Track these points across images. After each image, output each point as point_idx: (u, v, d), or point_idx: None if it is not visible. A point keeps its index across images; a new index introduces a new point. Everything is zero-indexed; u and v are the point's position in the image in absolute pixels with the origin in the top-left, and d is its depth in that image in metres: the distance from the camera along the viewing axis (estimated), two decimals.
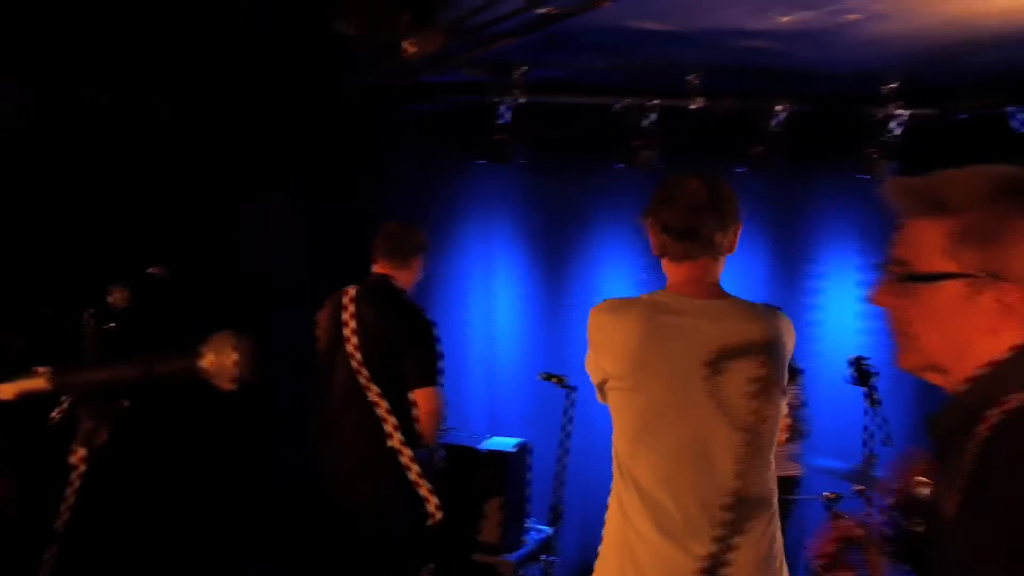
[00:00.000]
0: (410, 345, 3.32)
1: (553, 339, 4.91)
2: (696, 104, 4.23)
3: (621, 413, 2.18)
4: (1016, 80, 4.14)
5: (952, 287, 1.23)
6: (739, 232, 2.18)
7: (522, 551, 4.22)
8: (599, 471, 4.76)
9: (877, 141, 4.37)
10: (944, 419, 1.28)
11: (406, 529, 3.39)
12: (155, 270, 3.33)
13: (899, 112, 4.32)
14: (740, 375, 2.08)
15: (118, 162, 3.66)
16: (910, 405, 4.66)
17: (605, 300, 2.25)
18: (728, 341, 2.08)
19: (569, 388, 3.92)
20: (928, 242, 1.25)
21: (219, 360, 1.26)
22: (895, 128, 4.35)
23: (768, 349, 2.10)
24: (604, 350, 2.19)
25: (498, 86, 4.11)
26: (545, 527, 4.31)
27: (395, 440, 3.30)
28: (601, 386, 2.24)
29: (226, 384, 1.27)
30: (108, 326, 2.94)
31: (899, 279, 1.28)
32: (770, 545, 2.10)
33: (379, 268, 3.49)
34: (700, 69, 4.10)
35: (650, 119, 4.27)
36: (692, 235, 2.13)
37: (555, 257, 4.91)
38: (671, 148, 4.34)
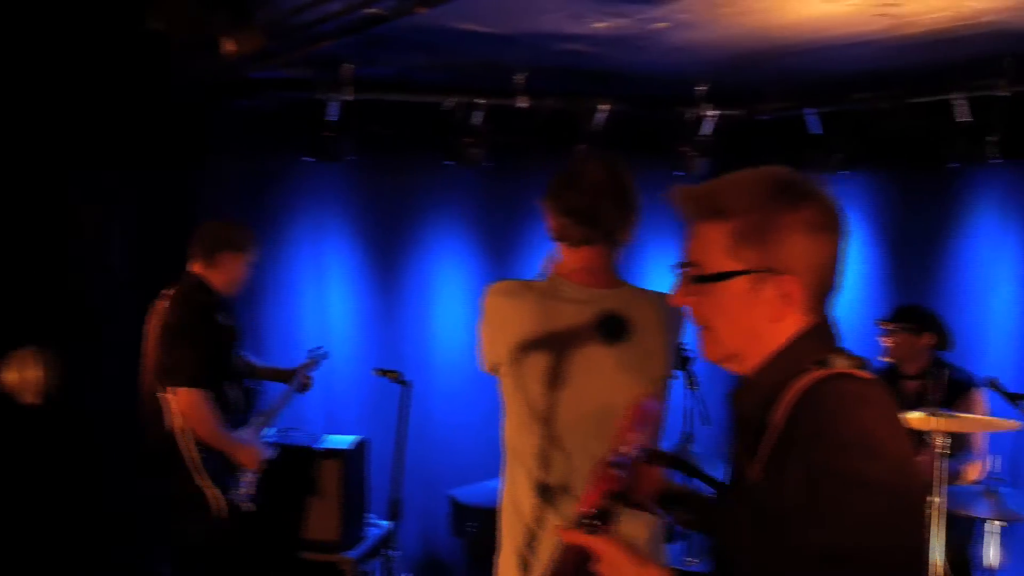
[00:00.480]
0: (166, 341, 3.32)
1: (388, 335, 4.93)
2: (522, 103, 4.36)
3: (511, 397, 2.16)
4: (812, 84, 4.50)
5: (737, 284, 1.35)
6: (636, 223, 2.15)
7: (362, 547, 4.24)
8: (436, 464, 4.88)
9: (691, 140, 4.64)
10: (743, 397, 1.42)
11: (195, 527, 3.40)
12: None
13: (710, 112, 4.60)
14: (626, 356, 2.07)
15: None
16: (727, 386, 4.99)
17: (503, 281, 2.22)
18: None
19: (404, 383, 3.96)
20: (713, 244, 1.37)
21: (22, 375, 1.24)
22: (707, 128, 4.64)
23: (653, 333, 2.11)
24: (498, 333, 2.15)
25: (326, 83, 4.09)
26: (385, 522, 4.35)
27: (179, 439, 3.29)
28: (494, 369, 2.19)
29: (31, 398, 1.26)
30: None
31: (692, 280, 1.40)
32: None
33: (190, 266, 3.48)
34: (524, 69, 4.23)
35: (478, 117, 4.36)
36: (593, 220, 2.09)
37: (387, 254, 4.93)
38: (499, 146, 4.45)
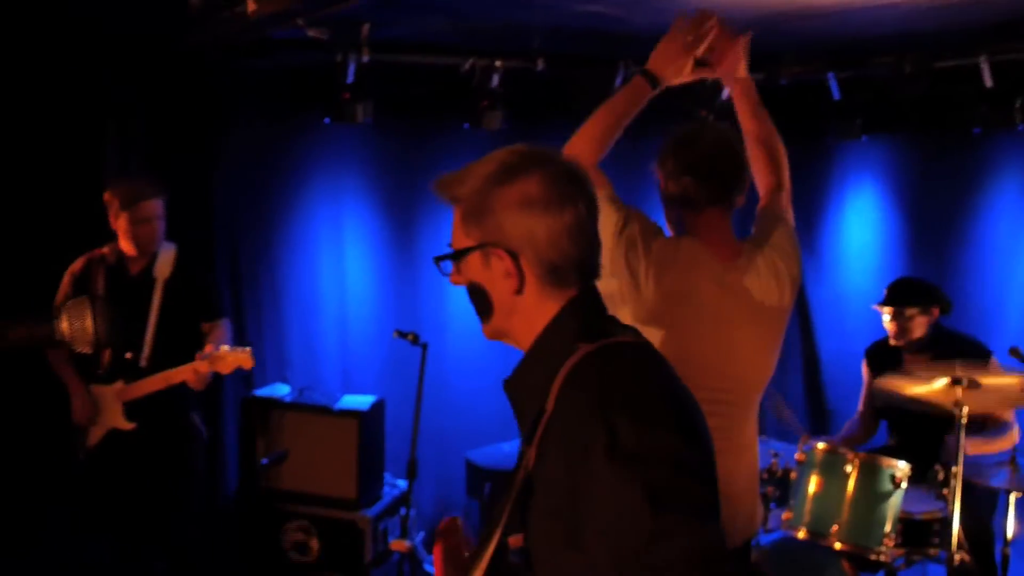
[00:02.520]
0: None
1: (405, 297, 4.96)
2: (540, 65, 4.33)
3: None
4: (833, 48, 4.44)
5: (472, 260, 1.43)
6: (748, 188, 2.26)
7: (379, 505, 4.32)
8: (452, 426, 4.93)
9: (711, 104, 4.60)
10: (515, 382, 1.44)
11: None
12: None
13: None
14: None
15: None
16: None
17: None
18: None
19: (422, 345, 4.00)
20: (455, 226, 1.46)
21: (76, 325, 1.29)
22: (726, 92, 4.59)
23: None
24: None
25: (345, 44, 4.07)
26: (402, 481, 4.41)
27: None
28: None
29: (84, 348, 1.30)
30: None
31: (445, 259, 1.47)
32: None
33: None
34: (543, 31, 4.19)
35: (495, 80, 4.34)
36: (717, 179, 2.17)
37: (405, 216, 4.94)
38: (517, 108, 4.43)
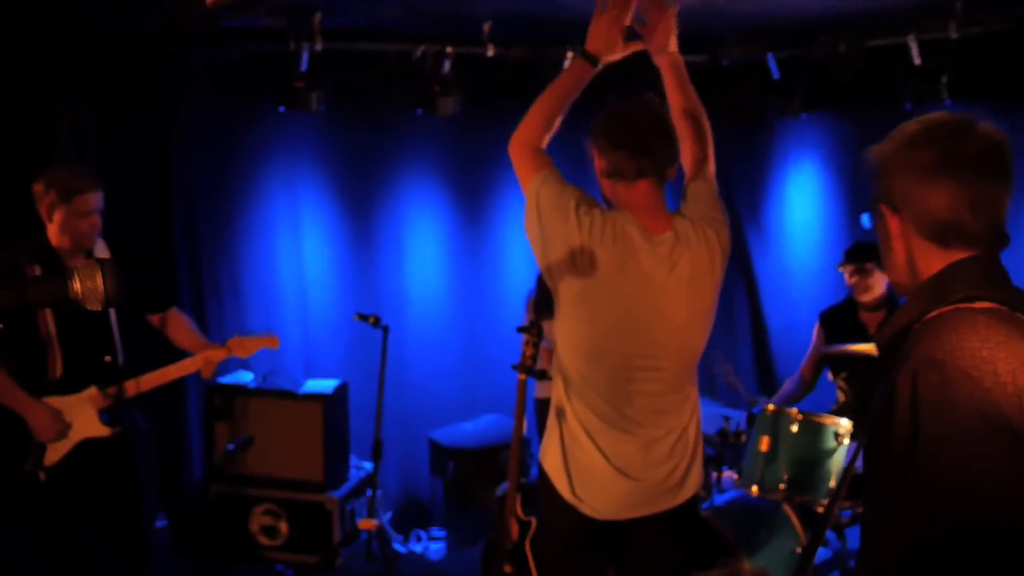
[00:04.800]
0: None
1: (365, 281, 5.03)
2: (490, 52, 4.43)
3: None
4: (773, 30, 4.61)
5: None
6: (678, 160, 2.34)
7: (346, 487, 4.40)
8: (414, 407, 5.02)
9: (657, 87, 4.73)
10: (886, 329, 1.50)
11: None
12: None
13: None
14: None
15: None
16: None
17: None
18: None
19: (383, 328, 4.09)
20: None
21: (88, 284, 1.38)
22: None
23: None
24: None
25: (298, 33, 4.13)
26: (367, 463, 4.50)
27: None
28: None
29: (95, 305, 1.38)
30: None
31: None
32: None
33: None
34: (492, 17, 4.28)
35: (447, 66, 4.43)
36: (647, 153, 2.23)
37: (361, 201, 5.00)
38: (469, 94, 4.52)
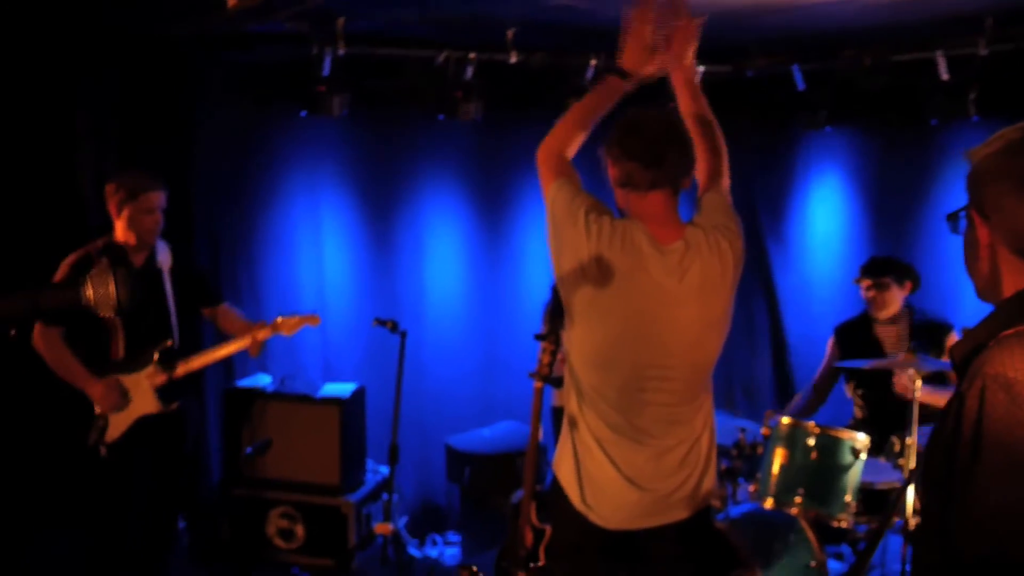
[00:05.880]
0: None
1: (384, 286, 5.04)
2: (513, 58, 4.44)
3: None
4: (798, 41, 4.58)
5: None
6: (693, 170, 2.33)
7: (362, 491, 4.41)
8: (431, 412, 5.03)
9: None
10: (961, 345, 1.48)
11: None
12: None
13: (697, 69, 4.67)
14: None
15: None
16: None
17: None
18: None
19: (401, 333, 4.09)
20: None
21: (100, 291, 1.39)
22: None
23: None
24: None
25: (320, 37, 4.15)
26: (383, 467, 4.51)
27: None
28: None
29: (108, 312, 1.40)
30: None
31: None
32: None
33: None
34: (515, 24, 4.29)
35: (470, 72, 4.44)
36: (660, 164, 2.22)
37: (382, 206, 5.01)
38: (491, 100, 4.53)
